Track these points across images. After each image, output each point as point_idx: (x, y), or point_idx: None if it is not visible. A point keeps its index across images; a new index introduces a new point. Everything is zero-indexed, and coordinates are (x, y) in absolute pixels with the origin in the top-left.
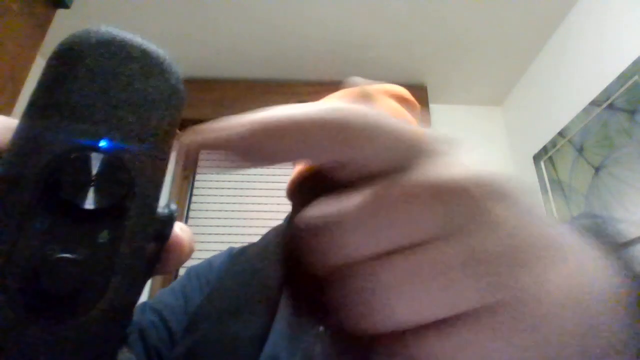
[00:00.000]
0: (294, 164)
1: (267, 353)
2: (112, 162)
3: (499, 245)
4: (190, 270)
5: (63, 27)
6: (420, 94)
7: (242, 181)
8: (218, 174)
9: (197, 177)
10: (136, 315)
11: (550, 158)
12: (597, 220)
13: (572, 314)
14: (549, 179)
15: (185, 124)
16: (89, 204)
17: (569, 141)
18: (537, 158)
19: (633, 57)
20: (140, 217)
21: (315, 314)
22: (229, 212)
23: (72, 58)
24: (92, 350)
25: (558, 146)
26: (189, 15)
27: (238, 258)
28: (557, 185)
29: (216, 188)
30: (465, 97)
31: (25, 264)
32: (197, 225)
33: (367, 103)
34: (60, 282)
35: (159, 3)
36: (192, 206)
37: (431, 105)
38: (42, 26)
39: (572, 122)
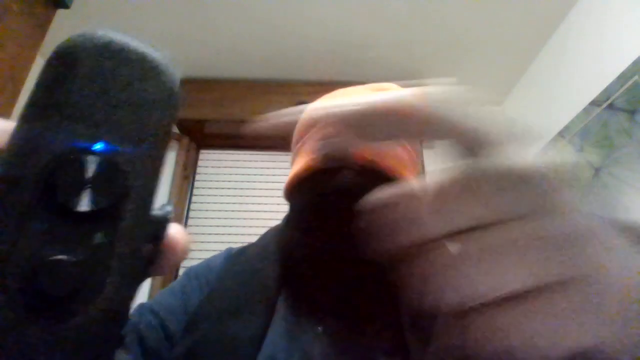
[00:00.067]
0: (390, 141)
1: (265, 353)
2: (108, 164)
3: (567, 227)
4: (189, 271)
5: (63, 27)
6: None
7: (242, 181)
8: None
9: (197, 177)
10: (134, 317)
11: None
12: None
13: (636, 295)
14: None
15: (185, 124)
16: (84, 206)
17: (569, 141)
18: None
19: (633, 57)
20: (136, 219)
21: (314, 314)
22: (229, 212)
23: (71, 59)
24: (92, 350)
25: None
26: (189, 15)
27: (237, 258)
28: None
29: (216, 188)
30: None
31: (24, 264)
32: (197, 225)
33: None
34: (58, 283)
35: (158, 3)
36: (192, 206)
37: None
38: (42, 26)
39: (572, 122)
